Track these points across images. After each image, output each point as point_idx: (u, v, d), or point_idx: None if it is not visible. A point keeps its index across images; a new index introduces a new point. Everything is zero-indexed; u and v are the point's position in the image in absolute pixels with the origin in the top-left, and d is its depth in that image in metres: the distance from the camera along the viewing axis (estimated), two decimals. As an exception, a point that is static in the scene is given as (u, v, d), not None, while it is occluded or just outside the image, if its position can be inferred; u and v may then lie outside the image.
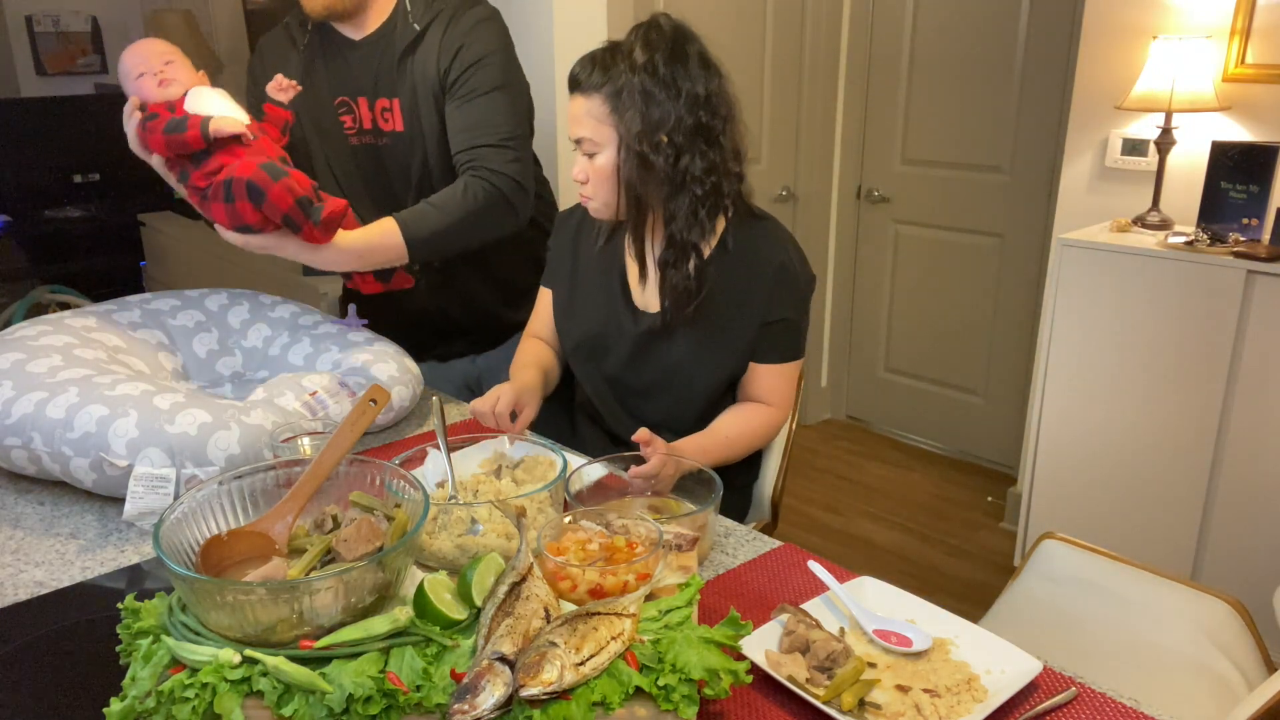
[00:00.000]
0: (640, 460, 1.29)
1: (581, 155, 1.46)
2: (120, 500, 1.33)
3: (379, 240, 1.58)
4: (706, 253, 1.47)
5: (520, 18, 2.80)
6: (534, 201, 1.81)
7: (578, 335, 1.61)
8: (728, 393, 1.57)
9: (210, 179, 1.49)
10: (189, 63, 1.62)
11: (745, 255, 1.49)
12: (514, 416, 1.44)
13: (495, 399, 1.42)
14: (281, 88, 1.66)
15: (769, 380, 1.54)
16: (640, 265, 1.53)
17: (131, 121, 1.51)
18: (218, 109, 1.55)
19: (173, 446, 1.30)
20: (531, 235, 1.81)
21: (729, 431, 1.52)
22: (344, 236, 1.55)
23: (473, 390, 2.00)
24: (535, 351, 1.66)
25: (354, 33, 1.72)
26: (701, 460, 1.42)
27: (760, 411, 1.55)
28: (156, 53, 1.59)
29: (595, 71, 1.41)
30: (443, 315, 1.89)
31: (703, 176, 1.42)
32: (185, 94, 1.56)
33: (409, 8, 1.71)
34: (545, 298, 1.70)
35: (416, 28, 1.69)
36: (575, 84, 1.43)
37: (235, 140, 1.51)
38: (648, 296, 1.55)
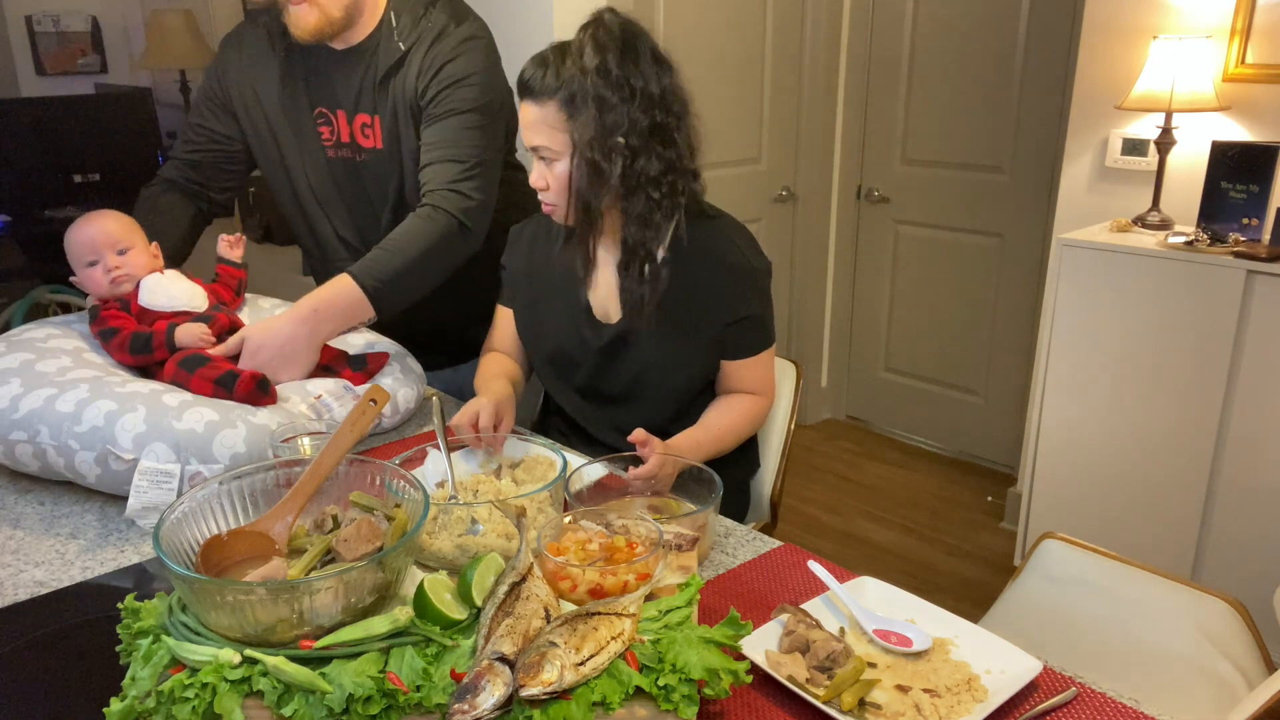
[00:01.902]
0: (638, 461, 1.29)
1: (539, 161, 1.43)
2: (121, 500, 1.33)
3: (331, 294, 1.54)
4: (660, 255, 1.45)
5: (520, 17, 2.79)
6: (512, 214, 1.78)
7: (545, 352, 1.60)
8: (702, 391, 1.57)
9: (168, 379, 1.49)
10: (145, 245, 1.57)
11: (699, 256, 1.47)
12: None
13: (474, 415, 1.40)
14: (231, 244, 1.66)
15: (748, 373, 1.54)
16: (589, 270, 1.51)
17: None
18: (174, 299, 1.53)
19: (179, 442, 1.30)
20: (500, 251, 1.76)
21: (720, 423, 1.52)
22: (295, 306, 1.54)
23: (455, 398, 1.99)
24: (500, 363, 1.64)
25: (337, 43, 1.68)
26: (696, 455, 1.42)
27: (747, 401, 1.55)
28: (109, 242, 1.52)
29: (547, 76, 1.36)
30: (411, 336, 1.84)
31: (659, 178, 1.39)
32: (138, 287, 1.53)
33: (395, 24, 1.66)
34: (504, 316, 1.67)
35: (401, 47, 1.64)
36: (528, 90, 1.39)
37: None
38: (608, 307, 1.53)
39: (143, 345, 1.48)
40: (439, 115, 1.63)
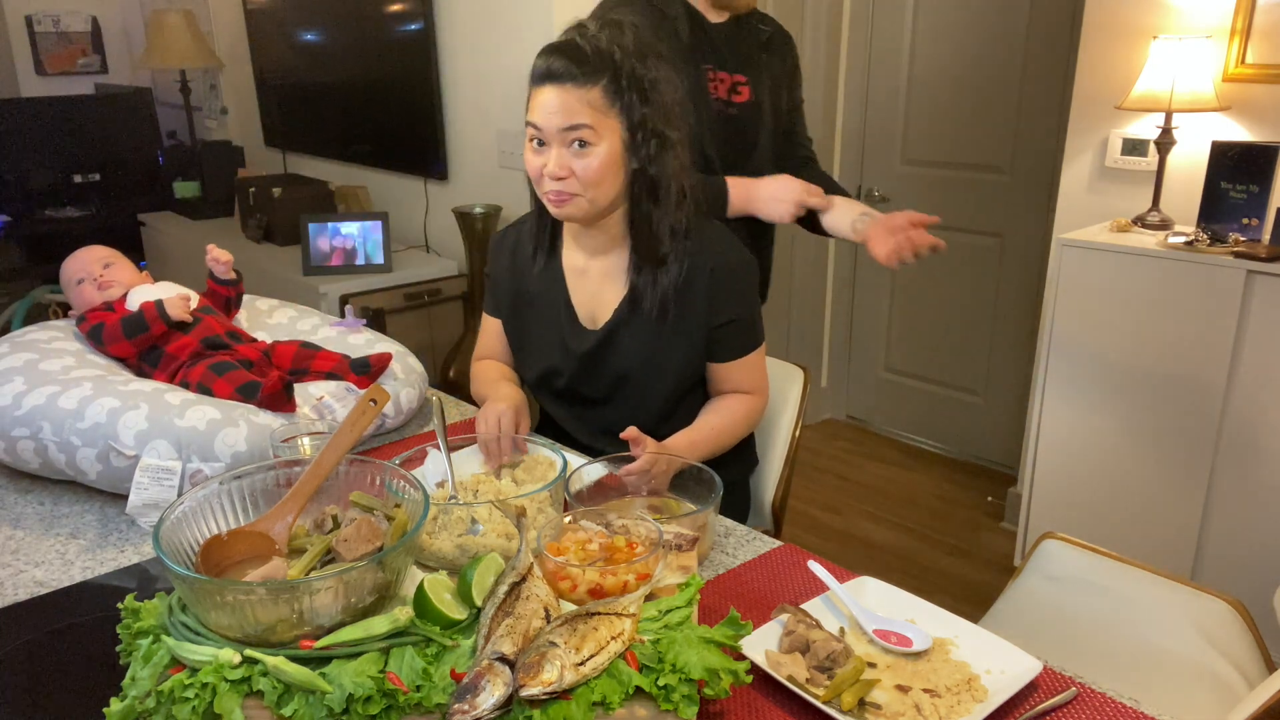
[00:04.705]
0: (633, 460, 1.29)
1: (561, 148, 1.34)
2: (121, 499, 1.33)
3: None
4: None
5: (519, 17, 2.80)
6: None
7: (531, 358, 1.59)
8: (688, 393, 1.56)
9: (171, 379, 1.50)
10: (129, 264, 1.66)
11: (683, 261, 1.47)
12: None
13: (497, 422, 1.40)
14: (216, 259, 1.68)
15: (738, 374, 1.54)
16: (583, 268, 1.51)
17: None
18: (160, 295, 1.57)
19: (180, 440, 1.31)
20: None
21: (714, 423, 1.52)
22: None
23: None
24: (498, 368, 1.64)
25: (714, 16, 1.83)
26: (692, 455, 1.41)
27: (741, 400, 1.55)
28: (96, 259, 1.63)
29: (591, 61, 1.32)
30: None
31: (685, 170, 1.42)
32: (126, 294, 1.59)
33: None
34: (492, 325, 1.66)
35: (765, 29, 1.88)
36: (565, 75, 1.32)
37: (181, 327, 1.53)
38: (593, 311, 1.52)
39: (136, 325, 1.50)
40: (799, 90, 1.99)
